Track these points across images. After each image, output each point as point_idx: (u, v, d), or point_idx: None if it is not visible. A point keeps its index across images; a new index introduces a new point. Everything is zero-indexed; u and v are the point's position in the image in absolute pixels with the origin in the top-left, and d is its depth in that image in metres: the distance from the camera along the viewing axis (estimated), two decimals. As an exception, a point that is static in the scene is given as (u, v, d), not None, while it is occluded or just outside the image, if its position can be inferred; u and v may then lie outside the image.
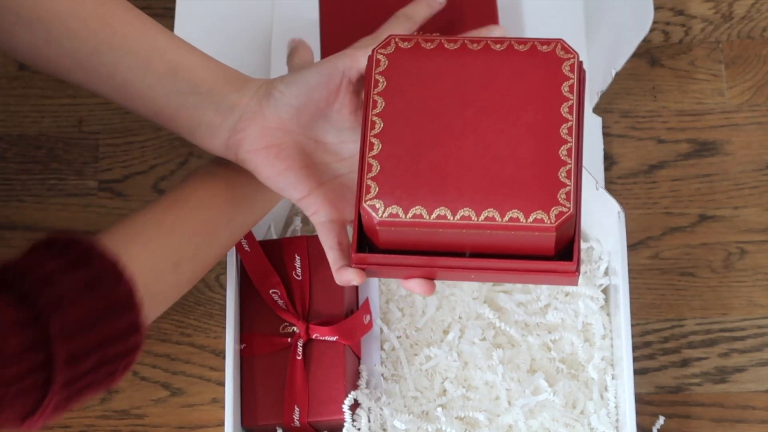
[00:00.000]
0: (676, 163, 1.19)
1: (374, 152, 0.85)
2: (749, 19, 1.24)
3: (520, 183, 0.84)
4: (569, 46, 0.87)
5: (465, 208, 0.84)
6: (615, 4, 1.17)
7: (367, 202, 0.85)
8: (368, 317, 1.06)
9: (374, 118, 0.86)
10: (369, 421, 1.04)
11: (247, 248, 1.04)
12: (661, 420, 1.09)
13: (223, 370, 1.07)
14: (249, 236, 1.04)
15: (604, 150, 1.19)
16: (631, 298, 1.05)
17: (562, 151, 0.85)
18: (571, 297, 1.09)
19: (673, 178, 1.19)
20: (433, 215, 0.84)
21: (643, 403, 1.11)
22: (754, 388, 1.12)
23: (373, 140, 0.86)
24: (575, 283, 0.88)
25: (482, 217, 0.84)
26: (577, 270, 0.86)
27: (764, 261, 1.16)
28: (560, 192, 0.84)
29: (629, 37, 1.13)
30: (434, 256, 0.86)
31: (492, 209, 0.84)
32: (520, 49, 0.87)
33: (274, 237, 1.12)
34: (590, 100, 1.18)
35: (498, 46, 0.88)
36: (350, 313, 1.05)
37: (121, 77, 0.91)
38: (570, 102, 0.86)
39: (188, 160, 1.21)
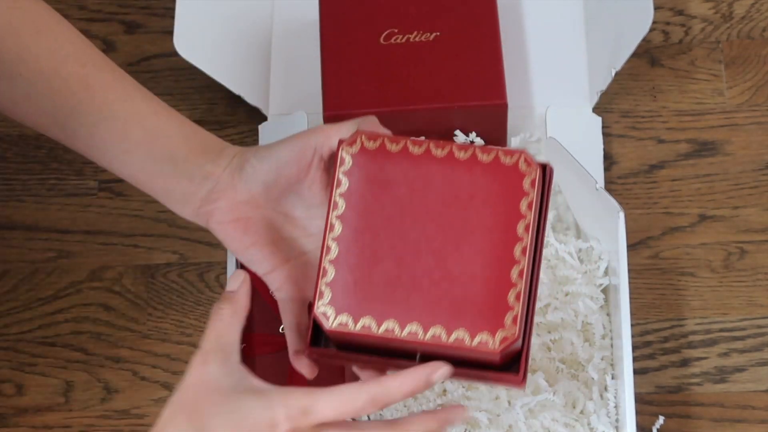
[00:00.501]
0: (676, 163, 1.19)
1: (330, 256, 0.86)
2: (749, 19, 1.24)
3: (469, 303, 0.85)
4: (532, 159, 0.87)
5: (413, 323, 0.85)
6: (615, 4, 1.17)
7: (319, 309, 0.86)
8: (368, 317, 1.06)
9: (333, 221, 0.87)
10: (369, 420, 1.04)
11: (247, 248, 1.04)
12: (661, 420, 1.09)
13: (223, 370, 1.07)
14: (249, 236, 1.04)
15: (604, 150, 1.19)
16: (631, 298, 1.05)
17: (513, 273, 0.85)
18: (571, 297, 1.09)
19: (673, 178, 1.19)
20: (382, 328, 0.85)
21: (643, 403, 1.11)
22: (753, 388, 1.12)
23: (331, 243, 0.87)
24: (523, 389, 0.89)
25: (429, 335, 0.85)
26: (524, 381, 0.87)
27: (764, 261, 1.16)
28: (507, 315, 0.84)
29: (629, 37, 1.13)
30: (385, 356, 0.88)
31: (439, 326, 0.85)
32: (484, 159, 0.86)
33: (274, 237, 1.12)
34: (590, 100, 1.18)
35: (462, 153, 0.87)
36: (350, 313, 1.05)
37: (99, 139, 0.91)
38: (527, 220, 0.85)
39: (188, 160, 1.21)
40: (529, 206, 0.86)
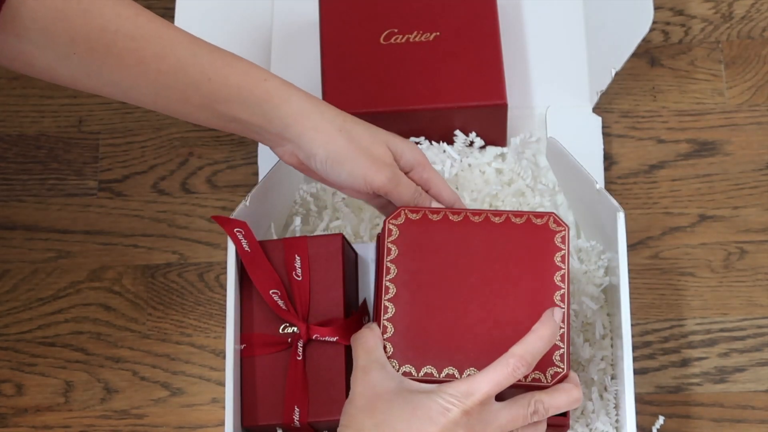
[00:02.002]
0: (676, 163, 1.19)
1: (388, 315, 0.96)
2: (749, 19, 1.24)
3: None
4: (560, 219, 0.97)
5: (471, 369, 0.94)
6: (615, 4, 1.17)
7: None
8: (368, 317, 1.06)
9: (387, 284, 0.97)
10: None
11: (247, 248, 1.04)
12: (661, 420, 1.10)
13: (223, 370, 1.07)
14: (249, 236, 1.04)
15: (604, 150, 1.19)
16: (631, 298, 1.05)
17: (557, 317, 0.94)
18: (572, 297, 1.09)
19: (673, 178, 1.19)
20: (443, 374, 0.94)
21: (643, 403, 1.11)
22: (753, 388, 1.12)
23: (388, 304, 0.96)
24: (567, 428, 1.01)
25: None
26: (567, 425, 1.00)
27: (764, 261, 1.16)
28: (555, 354, 0.94)
29: (629, 37, 1.13)
30: None
31: None
32: (517, 221, 0.97)
33: (274, 237, 1.12)
34: (590, 100, 1.18)
35: (497, 218, 0.98)
36: (350, 314, 1.05)
37: (162, 104, 0.95)
38: (562, 271, 0.96)
39: (188, 160, 1.22)
40: (563, 259, 0.96)
